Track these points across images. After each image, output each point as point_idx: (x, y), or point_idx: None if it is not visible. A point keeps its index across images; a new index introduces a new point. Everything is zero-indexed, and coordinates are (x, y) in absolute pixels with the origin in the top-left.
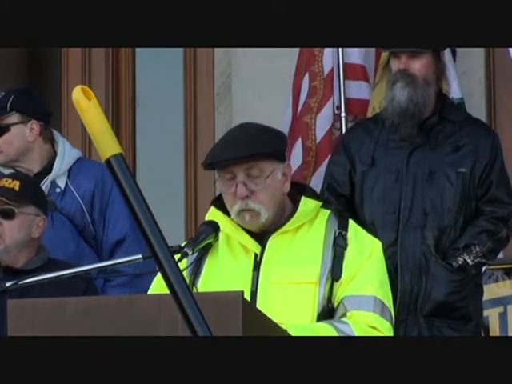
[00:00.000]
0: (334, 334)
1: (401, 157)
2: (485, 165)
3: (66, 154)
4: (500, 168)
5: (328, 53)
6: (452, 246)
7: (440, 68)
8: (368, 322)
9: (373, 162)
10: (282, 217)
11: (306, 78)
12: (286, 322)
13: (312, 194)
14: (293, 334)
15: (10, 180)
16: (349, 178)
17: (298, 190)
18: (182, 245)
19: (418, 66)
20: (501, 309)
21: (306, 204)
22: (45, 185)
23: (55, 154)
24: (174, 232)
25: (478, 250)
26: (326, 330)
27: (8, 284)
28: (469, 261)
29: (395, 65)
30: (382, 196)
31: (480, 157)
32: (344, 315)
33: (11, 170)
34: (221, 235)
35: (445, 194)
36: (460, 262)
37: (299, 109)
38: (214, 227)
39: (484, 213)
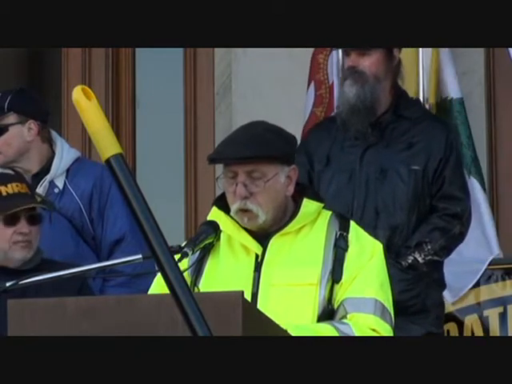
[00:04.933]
0: (335, 334)
1: (355, 155)
2: (438, 161)
3: (64, 154)
4: (454, 164)
5: (332, 59)
6: (404, 244)
7: (394, 64)
8: (368, 324)
9: (328, 161)
10: (283, 218)
11: (312, 87)
12: (286, 323)
13: (314, 196)
14: (293, 335)
15: (14, 185)
16: (308, 178)
17: (300, 190)
18: (182, 245)
19: (368, 62)
20: (501, 309)
21: (308, 206)
22: (43, 185)
23: (53, 154)
24: (174, 232)
25: (429, 247)
26: (326, 330)
27: (8, 284)
28: (419, 259)
29: (346, 62)
30: (336, 196)
31: (434, 153)
32: (344, 317)
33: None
34: (222, 235)
35: (397, 192)
36: (410, 261)
37: (305, 118)
38: (214, 227)
39: (437, 210)
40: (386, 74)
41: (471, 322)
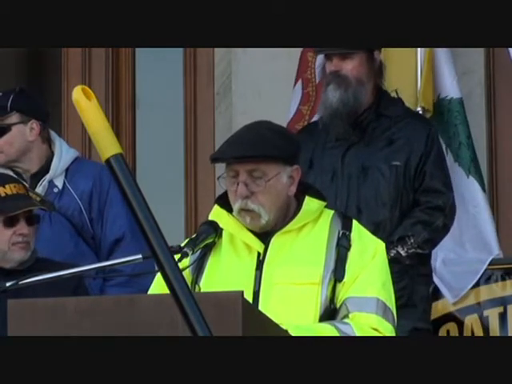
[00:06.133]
0: (336, 334)
1: (336, 156)
2: (420, 156)
3: (63, 153)
4: (436, 158)
5: (320, 58)
6: (388, 239)
7: (375, 66)
8: (370, 323)
9: (311, 164)
10: (285, 217)
11: (299, 84)
12: (287, 323)
13: (316, 194)
14: (293, 335)
15: (11, 186)
16: None
17: (303, 189)
18: (182, 245)
19: (350, 66)
20: (501, 309)
21: (310, 204)
22: (42, 185)
23: (52, 153)
24: (174, 232)
25: (412, 241)
26: (327, 330)
27: (8, 284)
28: (402, 252)
29: (328, 67)
30: None
31: (415, 149)
32: (346, 316)
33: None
34: (224, 233)
35: (378, 188)
36: (392, 254)
37: (291, 116)
38: (214, 227)
39: (419, 203)
40: (368, 76)
41: (471, 322)
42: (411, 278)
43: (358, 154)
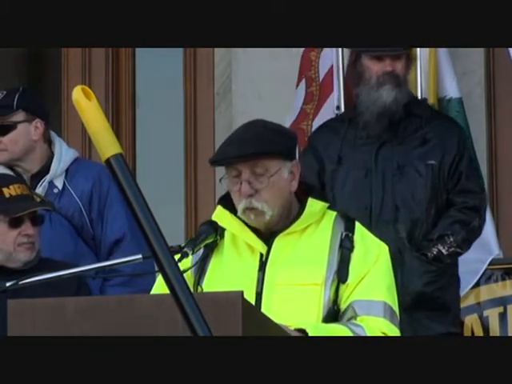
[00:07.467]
0: (350, 335)
1: (369, 153)
2: (453, 157)
3: (63, 154)
4: (469, 159)
5: (324, 57)
6: (426, 237)
7: (410, 66)
8: (379, 327)
9: (340, 160)
10: (288, 217)
11: (303, 83)
12: (303, 322)
13: (319, 195)
14: (310, 334)
15: (15, 187)
16: (318, 178)
17: (305, 190)
18: (182, 245)
19: (400, 66)
20: (501, 309)
21: (313, 205)
22: (42, 185)
23: (52, 154)
24: (174, 232)
25: (451, 240)
26: (341, 331)
27: (8, 284)
28: (443, 251)
29: (378, 67)
30: (352, 193)
31: (448, 149)
32: (353, 319)
33: (6, 171)
34: (226, 234)
35: (415, 186)
36: (435, 253)
37: (295, 116)
38: (214, 227)
39: (455, 203)
40: (407, 75)
41: (471, 322)
42: (448, 279)
43: (391, 152)
